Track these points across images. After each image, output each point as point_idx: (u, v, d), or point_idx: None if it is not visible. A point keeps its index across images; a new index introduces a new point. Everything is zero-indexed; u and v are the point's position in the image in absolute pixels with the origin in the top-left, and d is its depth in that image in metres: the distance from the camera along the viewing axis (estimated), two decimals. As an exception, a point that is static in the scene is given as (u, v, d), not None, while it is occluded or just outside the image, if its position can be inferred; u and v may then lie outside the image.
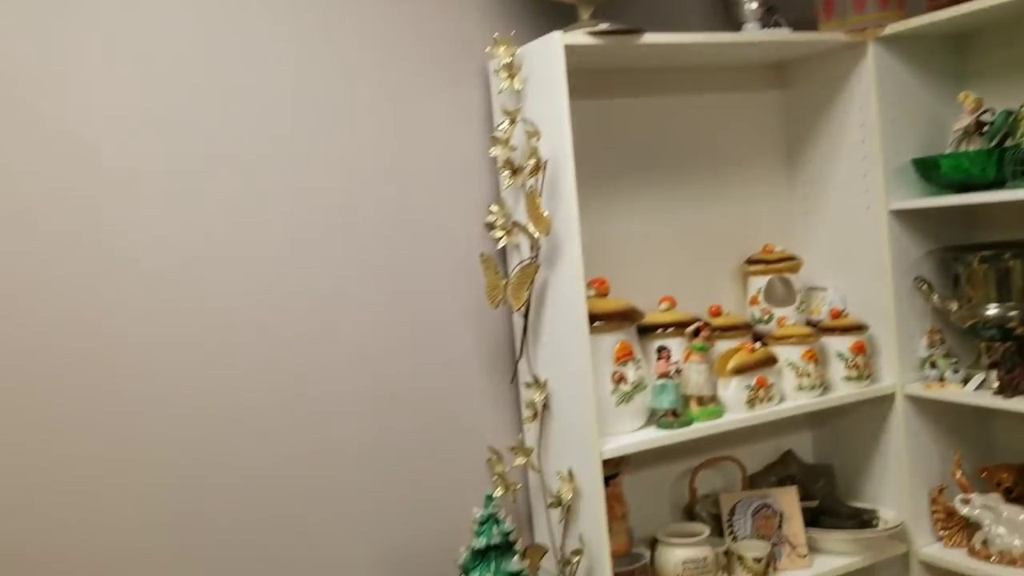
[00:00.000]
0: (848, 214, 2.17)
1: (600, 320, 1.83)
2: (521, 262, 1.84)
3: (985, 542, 1.97)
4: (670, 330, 1.97)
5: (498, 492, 1.72)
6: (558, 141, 1.74)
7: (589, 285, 1.87)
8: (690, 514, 2.13)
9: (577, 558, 1.77)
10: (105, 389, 1.61)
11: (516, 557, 1.61)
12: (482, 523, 1.62)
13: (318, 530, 1.80)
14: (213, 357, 1.71)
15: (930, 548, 2.09)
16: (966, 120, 1.99)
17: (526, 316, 1.89)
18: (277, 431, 1.76)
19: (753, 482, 2.20)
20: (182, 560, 1.67)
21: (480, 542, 1.60)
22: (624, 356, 1.86)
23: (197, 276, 1.69)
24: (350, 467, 1.83)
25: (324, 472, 1.80)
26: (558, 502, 1.81)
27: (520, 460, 1.90)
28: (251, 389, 1.74)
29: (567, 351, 1.78)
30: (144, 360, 1.64)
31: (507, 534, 1.60)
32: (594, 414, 1.74)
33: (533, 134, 1.75)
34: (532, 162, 1.76)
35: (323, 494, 1.80)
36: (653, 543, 1.97)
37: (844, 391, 2.07)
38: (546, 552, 1.85)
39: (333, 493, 1.81)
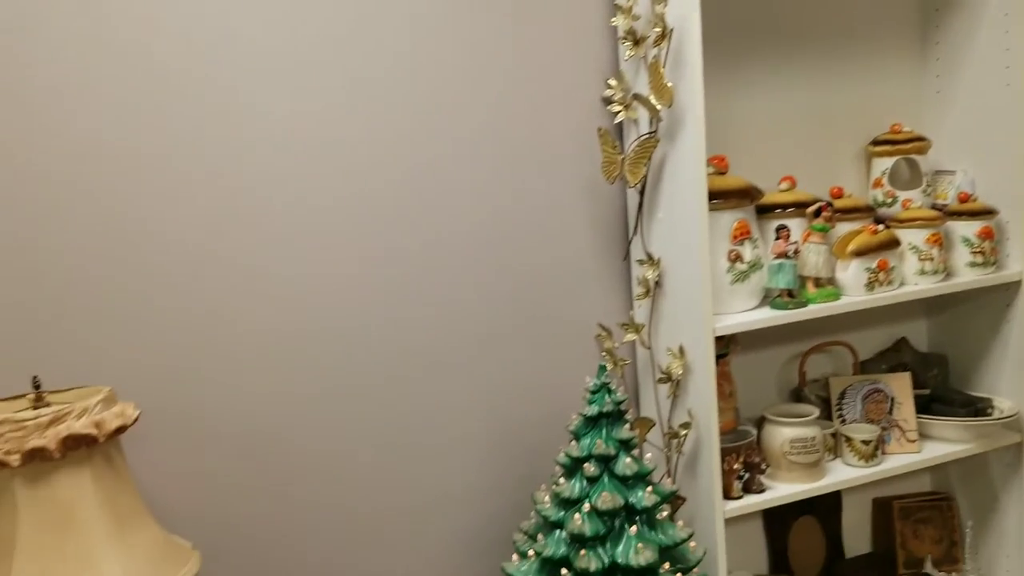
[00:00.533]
0: (985, 93, 2.06)
1: (718, 198, 1.80)
2: (640, 136, 1.81)
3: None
4: (790, 210, 1.93)
5: (608, 367, 1.74)
6: (685, 6, 1.67)
7: (708, 162, 1.83)
8: (798, 397, 2.13)
9: (685, 432, 1.80)
10: (262, 271, 1.69)
11: (626, 426, 1.64)
12: (594, 392, 1.65)
13: (438, 403, 1.86)
14: (340, 243, 1.75)
15: (1046, 439, 2.05)
16: None
17: (642, 192, 1.87)
18: (396, 310, 1.81)
19: (864, 368, 2.17)
20: (313, 427, 1.77)
21: (592, 409, 1.63)
22: (741, 235, 1.83)
23: (326, 157, 1.73)
24: (467, 342, 1.88)
25: (443, 347, 1.86)
26: (667, 378, 1.83)
27: (630, 336, 1.92)
28: (380, 270, 1.78)
29: (683, 228, 1.77)
30: (286, 242, 1.70)
31: (619, 403, 1.63)
32: (708, 292, 1.73)
33: (659, 0, 1.70)
34: (657, 30, 1.71)
35: (442, 367, 1.86)
36: (760, 422, 1.98)
37: (968, 277, 2.00)
38: (653, 425, 1.89)
39: (451, 366, 1.87)
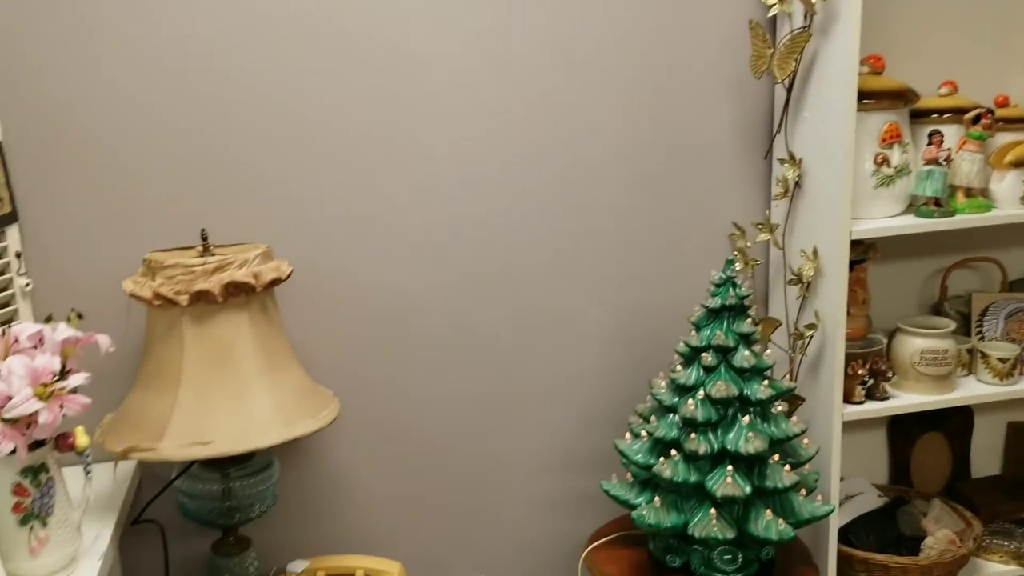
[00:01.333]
0: None
1: (870, 98, 1.75)
2: (792, 30, 1.76)
3: None
4: (947, 116, 1.84)
5: (737, 266, 1.75)
6: None
7: (863, 61, 1.77)
8: (936, 311, 2.08)
9: (811, 332, 1.80)
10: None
11: (748, 321, 1.66)
12: (719, 284, 1.67)
13: (569, 290, 1.93)
14: (492, 139, 1.81)
15: None
16: None
17: (789, 89, 1.83)
18: (538, 204, 1.87)
19: (1013, 288, 2.08)
20: (448, 307, 1.87)
21: (715, 302, 1.65)
22: (891, 138, 1.78)
23: (484, 49, 1.78)
24: (601, 232, 1.92)
25: (578, 235, 1.91)
26: (798, 279, 1.83)
27: (763, 236, 1.91)
28: (528, 165, 1.84)
29: (830, 128, 1.73)
30: (443, 129, 1.78)
31: (742, 297, 1.65)
32: (848, 194, 1.70)
33: None
34: (817, -82, 1.65)
35: (576, 255, 1.92)
36: (892, 332, 1.95)
37: None
38: (779, 325, 1.90)
39: (585, 254, 1.92)
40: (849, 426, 1.80)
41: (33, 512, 1.25)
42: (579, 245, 1.92)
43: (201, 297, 1.42)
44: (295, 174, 1.74)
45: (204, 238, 1.53)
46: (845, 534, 1.92)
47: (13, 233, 1.58)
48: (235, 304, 1.45)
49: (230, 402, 1.44)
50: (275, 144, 1.72)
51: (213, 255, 1.49)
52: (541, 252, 1.90)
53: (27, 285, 1.60)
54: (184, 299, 1.41)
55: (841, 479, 1.88)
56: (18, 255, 1.59)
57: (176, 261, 1.44)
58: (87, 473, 1.33)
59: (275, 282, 1.49)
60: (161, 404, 1.43)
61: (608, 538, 1.82)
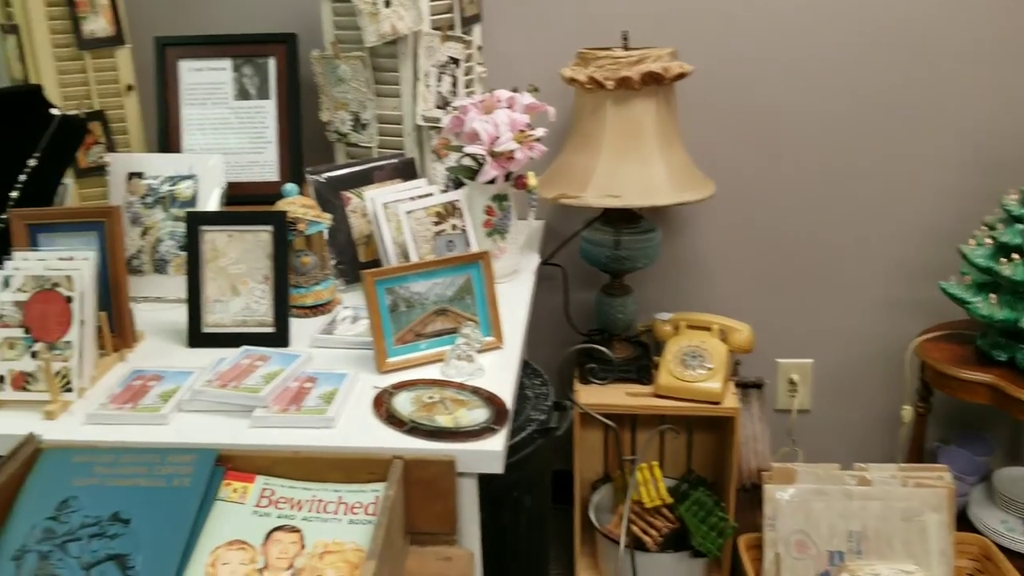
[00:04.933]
0: None
1: None
2: None
3: None
4: None
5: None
6: None
7: None
8: None
9: None
10: None
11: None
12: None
13: (930, 113, 2.10)
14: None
15: None
16: None
17: None
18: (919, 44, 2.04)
19: None
20: (826, 130, 2.13)
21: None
22: None
23: None
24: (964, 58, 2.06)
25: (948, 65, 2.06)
26: None
27: None
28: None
29: None
30: None
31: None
32: None
33: None
34: None
35: (941, 82, 2.07)
36: None
37: None
38: None
39: (948, 79, 2.07)
40: None
41: (497, 228, 1.74)
42: (945, 75, 2.07)
43: (623, 83, 1.80)
44: (696, -9, 2.06)
45: (624, 38, 1.90)
46: None
47: (477, 30, 2.05)
48: (647, 92, 1.82)
49: (636, 168, 1.83)
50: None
51: (632, 52, 1.86)
52: (912, 85, 2.08)
53: (483, 72, 2.07)
54: (611, 83, 1.80)
55: None
56: (479, 48, 2.06)
57: (605, 53, 1.82)
58: (532, 206, 1.80)
59: (679, 76, 1.83)
60: (586, 165, 1.86)
61: (937, 333, 2.05)
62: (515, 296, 1.70)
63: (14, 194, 1.59)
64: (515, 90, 1.74)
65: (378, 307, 1.41)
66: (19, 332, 1.35)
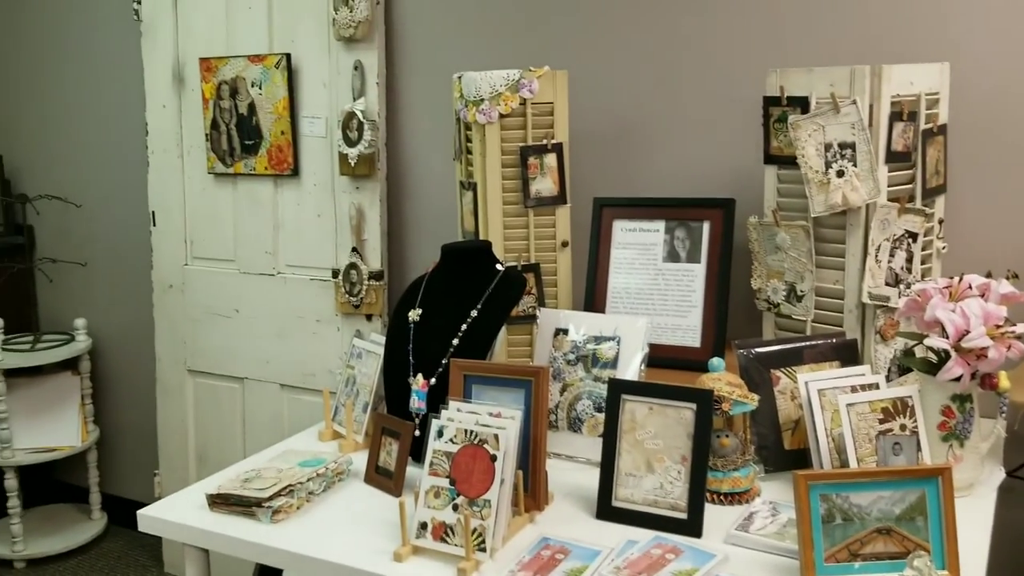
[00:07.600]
0: None
1: None
2: None
3: None
4: None
5: None
6: None
7: None
8: None
9: None
10: None
11: None
12: None
13: None
14: None
15: None
16: None
17: None
18: None
19: None
20: None
21: None
22: None
23: None
24: None
25: None
26: None
27: None
28: None
29: None
30: None
31: None
32: None
33: None
34: None
35: None
36: None
37: None
38: None
39: None
40: None
41: (954, 432, 1.48)
42: None
43: None
44: None
45: None
46: None
47: (940, 201, 1.84)
48: None
49: None
50: None
51: None
52: None
53: (943, 247, 1.84)
54: None
55: None
56: (940, 221, 1.84)
57: None
58: (1002, 410, 1.51)
59: None
60: None
61: None
62: (972, 519, 1.41)
63: (455, 342, 1.68)
64: (989, 275, 1.50)
65: (809, 516, 1.24)
66: (445, 483, 1.38)
